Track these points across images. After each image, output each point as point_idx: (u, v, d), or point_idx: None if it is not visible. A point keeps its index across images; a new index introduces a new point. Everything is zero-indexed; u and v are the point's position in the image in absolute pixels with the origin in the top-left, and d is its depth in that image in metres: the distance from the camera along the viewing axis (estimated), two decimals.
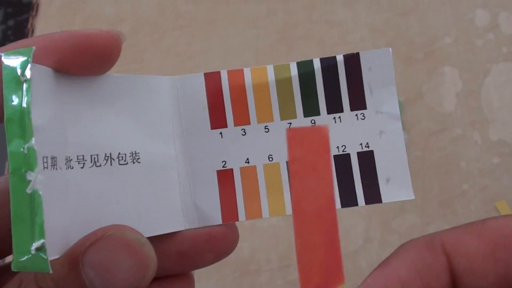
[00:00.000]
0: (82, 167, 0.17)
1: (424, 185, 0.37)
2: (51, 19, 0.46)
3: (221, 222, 0.19)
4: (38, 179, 0.14)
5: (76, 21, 0.45)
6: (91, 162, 0.17)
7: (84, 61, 0.16)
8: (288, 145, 0.12)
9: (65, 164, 0.16)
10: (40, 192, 0.14)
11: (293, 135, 0.12)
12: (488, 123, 0.38)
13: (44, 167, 0.15)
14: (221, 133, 0.19)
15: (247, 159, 0.19)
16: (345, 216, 0.37)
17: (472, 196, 0.36)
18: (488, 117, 0.38)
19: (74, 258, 0.15)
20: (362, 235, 0.36)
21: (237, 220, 0.19)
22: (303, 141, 0.12)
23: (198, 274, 0.37)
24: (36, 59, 0.15)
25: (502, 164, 0.37)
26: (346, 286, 0.13)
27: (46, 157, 0.15)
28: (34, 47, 0.15)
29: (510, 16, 0.40)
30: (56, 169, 0.15)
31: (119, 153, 0.18)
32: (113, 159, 0.17)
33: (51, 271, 0.14)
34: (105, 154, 0.17)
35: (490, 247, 0.15)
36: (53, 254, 0.15)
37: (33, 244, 0.14)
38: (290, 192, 0.12)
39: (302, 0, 0.43)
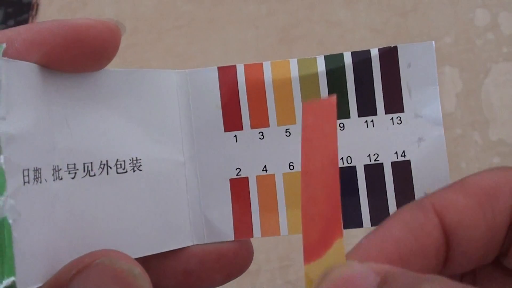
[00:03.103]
0: (73, 178, 0.14)
1: None
2: (51, 19, 0.46)
3: (233, 239, 0.17)
4: (8, 205, 0.12)
5: None
6: (84, 171, 0.15)
7: (75, 56, 0.14)
8: (303, 114, 0.13)
9: (53, 175, 0.14)
10: (10, 221, 0.12)
11: (307, 106, 0.13)
12: (488, 123, 0.38)
13: (24, 182, 0.13)
14: (235, 136, 0.17)
15: (265, 166, 0.17)
16: None
17: None
18: (488, 117, 0.38)
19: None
20: (362, 235, 0.36)
21: (252, 236, 0.17)
22: (315, 110, 0.13)
23: None
24: (17, 54, 0.13)
25: (502, 164, 0.37)
26: None
27: (28, 169, 0.13)
28: (4, 44, 0.13)
29: (510, 16, 0.40)
30: (41, 182, 0.13)
31: (117, 160, 0.15)
32: (110, 167, 0.15)
33: None
34: (101, 161, 0.15)
35: (476, 200, 0.15)
36: (32, 283, 0.13)
37: (3, 282, 0.12)
38: (301, 154, 0.13)
39: (302, 0, 0.43)
